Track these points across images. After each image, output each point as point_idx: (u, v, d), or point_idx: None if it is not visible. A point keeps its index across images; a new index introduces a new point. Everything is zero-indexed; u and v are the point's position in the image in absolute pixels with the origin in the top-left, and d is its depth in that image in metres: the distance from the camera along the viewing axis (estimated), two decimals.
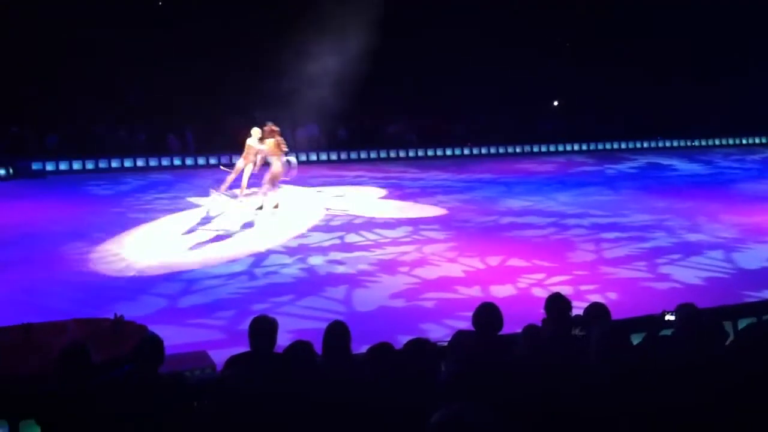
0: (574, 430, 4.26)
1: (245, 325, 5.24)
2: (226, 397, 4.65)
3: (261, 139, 15.17)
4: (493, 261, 11.46)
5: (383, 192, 17.88)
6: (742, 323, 6.65)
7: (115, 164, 21.26)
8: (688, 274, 10.78)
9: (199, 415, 4.82)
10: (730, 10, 23.83)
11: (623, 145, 25.50)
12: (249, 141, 15.45)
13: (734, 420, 4.05)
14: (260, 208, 14.99)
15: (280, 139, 15.04)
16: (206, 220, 14.29)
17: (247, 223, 13.99)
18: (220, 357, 5.27)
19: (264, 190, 14.99)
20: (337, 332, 5.18)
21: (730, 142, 26.31)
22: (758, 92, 24.20)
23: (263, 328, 5.19)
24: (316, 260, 11.48)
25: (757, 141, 26.52)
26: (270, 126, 15.15)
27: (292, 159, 15.64)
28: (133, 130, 23.16)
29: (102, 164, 21.18)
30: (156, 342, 4.75)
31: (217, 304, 9.40)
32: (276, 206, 15.10)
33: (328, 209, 15.50)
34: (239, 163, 15.74)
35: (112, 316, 6.50)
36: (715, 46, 24.04)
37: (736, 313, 7.61)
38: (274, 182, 14.96)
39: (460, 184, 19.01)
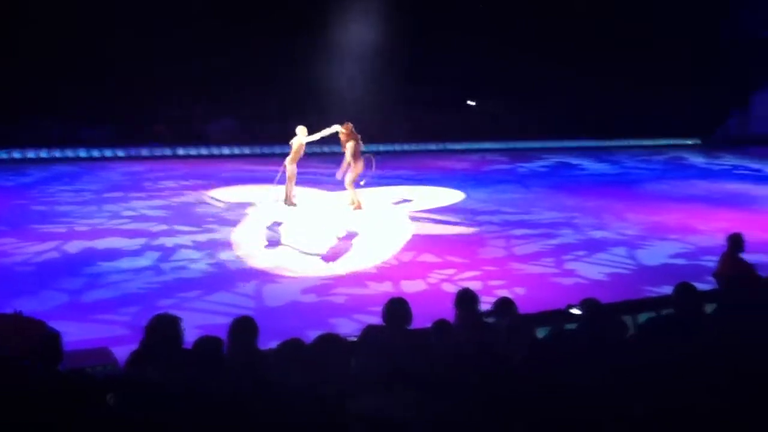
0: (489, 417, 4.33)
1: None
2: (128, 394, 4.53)
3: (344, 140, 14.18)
4: (405, 257, 11.53)
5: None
6: (642, 317, 6.86)
7: (17, 155, 20.47)
8: (592, 270, 11.08)
9: (101, 413, 4.68)
10: (627, 11, 24.53)
11: (536, 144, 26.06)
12: (299, 140, 14.40)
13: (631, 406, 4.17)
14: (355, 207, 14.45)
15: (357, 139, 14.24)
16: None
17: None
18: (123, 353, 5.11)
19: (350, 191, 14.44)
20: (244, 328, 5.11)
21: (635, 143, 27.17)
22: (664, 95, 25.07)
23: (163, 326, 5.08)
24: (226, 255, 11.31)
25: (662, 143, 27.46)
26: (349, 125, 14.25)
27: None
28: (48, 121, 22.20)
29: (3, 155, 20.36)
30: (53, 338, 4.59)
31: (122, 299, 9.15)
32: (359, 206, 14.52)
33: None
34: (292, 168, 14.46)
35: (12, 311, 6.24)
36: (622, 48, 24.68)
37: (637, 307, 7.87)
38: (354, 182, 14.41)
39: (380, 180, 19.05)
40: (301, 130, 14.53)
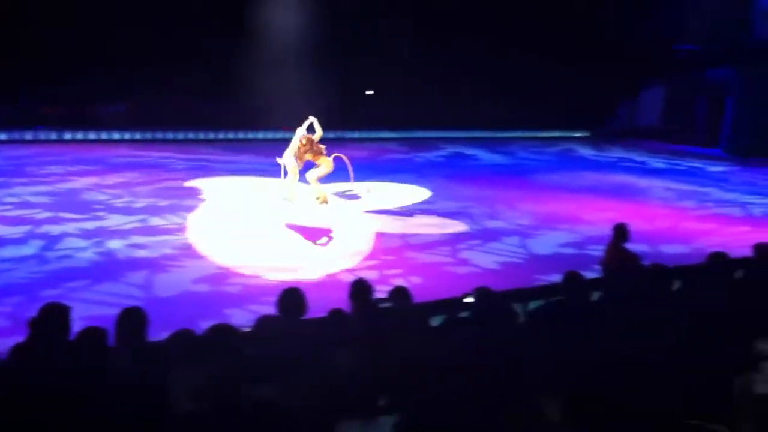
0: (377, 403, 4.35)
1: (33, 311, 4.91)
2: (9, 387, 4.33)
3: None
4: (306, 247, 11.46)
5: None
6: (533, 305, 7.03)
7: None
8: (486, 259, 11.30)
9: None
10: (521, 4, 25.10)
11: (433, 134, 26.35)
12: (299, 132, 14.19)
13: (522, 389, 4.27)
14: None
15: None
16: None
17: None
18: (4, 345, 4.87)
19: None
20: (132, 318, 4.96)
21: (530, 134, 27.85)
22: (556, 89, 25.76)
23: (52, 315, 4.90)
24: (114, 244, 10.94)
25: (554, 135, 28.24)
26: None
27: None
28: None
29: None
30: None
31: (4, 289, 8.73)
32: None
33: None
34: (291, 162, 14.20)
35: None
36: (516, 42, 25.17)
37: (527, 295, 8.06)
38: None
39: (271, 167, 18.82)
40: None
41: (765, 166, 22.15)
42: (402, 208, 14.51)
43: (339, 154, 14.92)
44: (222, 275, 9.80)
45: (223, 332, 4.99)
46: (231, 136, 23.69)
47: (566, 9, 25.44)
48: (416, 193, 16.07)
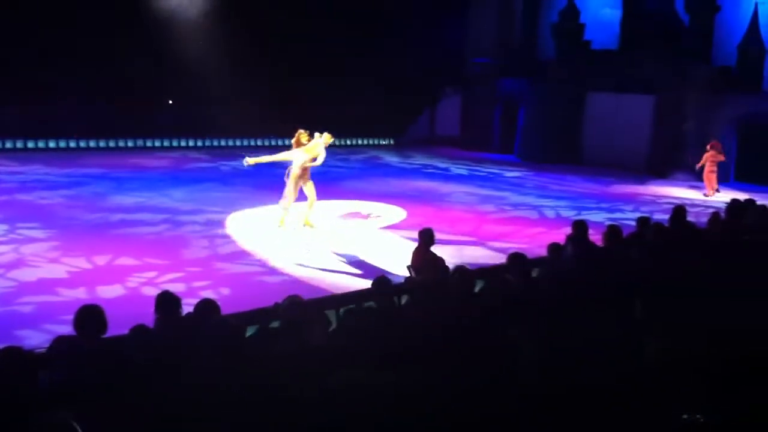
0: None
1: None
2: None
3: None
4: (101, 260, 10.84)
5: None
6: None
7: None
8: (298, 267, 11.21)
9: None
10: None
11: (237, 143, 25.94)
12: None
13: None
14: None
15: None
16: None
17: None
18: None
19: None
20: None
21: (336, 142, 28.06)
22: (362, 98, 26.20)
23: None
24: None
25: (360, 142, 28.68)
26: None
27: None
28: None
29: None
30: None
31: None
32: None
33: None
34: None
35: None
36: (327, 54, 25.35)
37: (340, 302, 8.07)
38: None
39: (65, 179, 17.76)
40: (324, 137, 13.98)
41: (554, 171, 23.68)
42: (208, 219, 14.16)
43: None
44: (12, 294, 9.07)
45: (13, 356, 4.60)
46: (20, 145, 22.12)
47: (370, 21, 25.92)
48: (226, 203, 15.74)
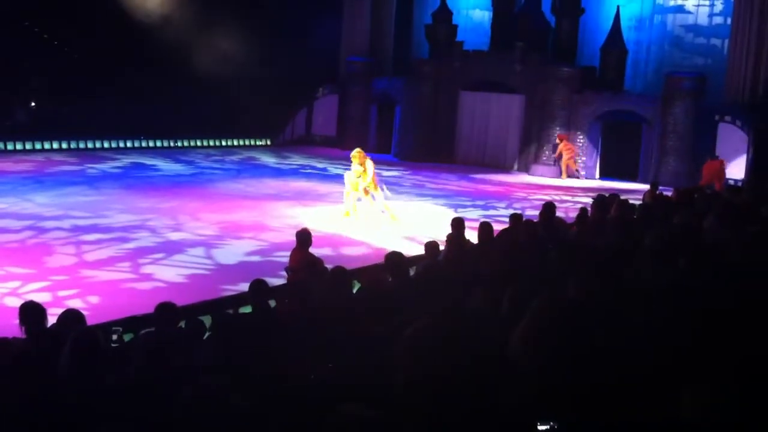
0: None
1: None
2: None
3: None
4: None
5: None
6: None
7: None
8: (171, 272, 10.89)
9: None
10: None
11: (106, 144, 24.99)
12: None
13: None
14: None
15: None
16: None
17: None
18: None
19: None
20: None
21: (211, 143, 27.54)
22: (238, 98, 25.78)
23: None
24: None
25: (236, 143, 28.22)
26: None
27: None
28: None
29: None
30: None
31: None
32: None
33: None
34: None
35: None
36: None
37: (215, 306, 7.88)
38: None
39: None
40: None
41: (430, 169, 24.05)
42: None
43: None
44: None
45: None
46: None
47: (245, 21, 25.50)
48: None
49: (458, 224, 9.09)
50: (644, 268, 5.69)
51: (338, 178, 21.67)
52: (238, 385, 3.99)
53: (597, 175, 24.62)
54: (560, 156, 24.08)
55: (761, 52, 22.37)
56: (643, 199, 13.84)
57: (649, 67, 26.14)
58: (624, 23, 25.40)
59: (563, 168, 24.05)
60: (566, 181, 23.58)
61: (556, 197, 18.50)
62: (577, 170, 24.08)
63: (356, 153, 15.49)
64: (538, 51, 24.92)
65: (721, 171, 20.28)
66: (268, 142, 29.19)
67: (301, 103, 29.76)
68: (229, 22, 24.91)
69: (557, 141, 24.09)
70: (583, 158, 24.48)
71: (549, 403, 2.80)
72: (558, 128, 24.26)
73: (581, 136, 24.32)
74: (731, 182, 20.24)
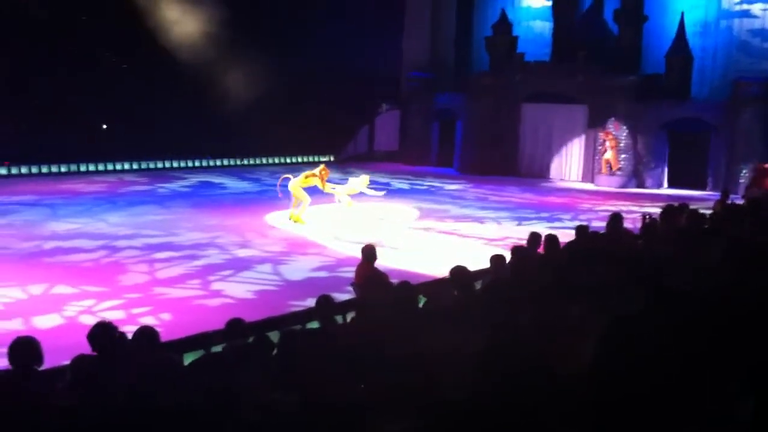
0: None
1: None
2: None
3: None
4: (37, 290, 10.53)
5: None
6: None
7: None
8: (239, 288, 11.08)
9: None
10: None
11: (175, 164, 25.64)
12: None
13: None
14: None
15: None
16: None
17: None
18: None
19: None
20: None
21: (276, 161, 28.00)
22: (303, 117, 26.14)
23: None
24: None
25: (300, 159, 28.63)
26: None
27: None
28: None
29: None
30: None
31: None
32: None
33: None
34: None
35: None
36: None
37: (283, 322, 8.01)
38: None
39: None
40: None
41: (493, 182, 23.96)
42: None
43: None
44: None
45: None
46: None
47: (306, 41, 25.89)
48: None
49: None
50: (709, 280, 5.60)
51: (402, 193, 21.85)
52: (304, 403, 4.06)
53: (665, 184, 24.18)
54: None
55: None
56: (713, 209, 13.56)
57: (716, 74, 25.55)
58: (689, 29, 24.94)
59: (603, 164, 24.48)
60: (632, 189, 23.29)
61: (624, 208, 18.22)
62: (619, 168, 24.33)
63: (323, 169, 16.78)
64: (600, 60, 24.64)
65: None
66: (332, 159, 29.50)
67: (364, 120, 30.04)
68: (292, 41, 25.35)
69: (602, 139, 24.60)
70: (652, 165, 24.20)
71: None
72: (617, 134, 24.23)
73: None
74: None
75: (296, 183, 16.34)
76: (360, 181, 17.47)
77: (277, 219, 16.64)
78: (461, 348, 5.19)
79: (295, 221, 16.05)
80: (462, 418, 2.91)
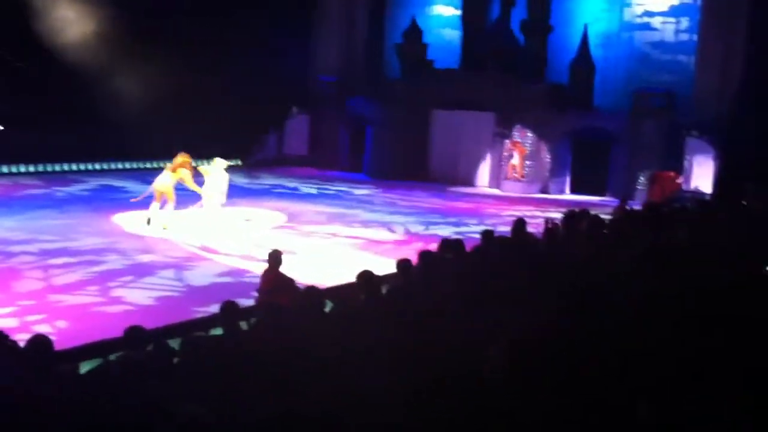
0: None
1: None
2: None
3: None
4: None
5: None
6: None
7: None
8: (140, 295, 10.73)
9: None
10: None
11: (74, 167, 24.70)
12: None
13: None
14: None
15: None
16: None
17: None
18: None
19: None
20: None
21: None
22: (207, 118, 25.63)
23: None
24: None
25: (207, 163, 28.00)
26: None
27: None
28: None
29: None
30: None
31: None
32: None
33: None
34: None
35: None
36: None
37: (186, 329, 7.77)
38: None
39: None
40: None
41: (402, 187, 24.04)
42: None
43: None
44: None
45: None
46: None
47: (214, 42, 25.42)
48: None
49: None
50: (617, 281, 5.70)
51: (309, 198, 21.68)
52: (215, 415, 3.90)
53: (567, 191, 24.80)
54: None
55: (727, 68, 22.72)
56: (612, 215, 13.93)
57: (618, 84, 26.33)
58: (592, 40, 25.66)
59: (509, 169, 24.86)
60: (536, 195, 23.88)
61: (528, 213, 18.55)
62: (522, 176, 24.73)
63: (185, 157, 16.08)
64: (508, 69, 25.09)
65: (673, 183, 20.99)
66: (239, 163, 29.04)
67: (274, 123, 29.67)
68: (199, 44, 24.85)
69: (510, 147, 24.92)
70: (556, 172, 24.79)
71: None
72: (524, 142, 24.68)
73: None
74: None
75: (166, 180, 15.58)
76: (217, 165, 16.86)
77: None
78: (372, 351, 5.12)
79: (164, 228, 15.09)
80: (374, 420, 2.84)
